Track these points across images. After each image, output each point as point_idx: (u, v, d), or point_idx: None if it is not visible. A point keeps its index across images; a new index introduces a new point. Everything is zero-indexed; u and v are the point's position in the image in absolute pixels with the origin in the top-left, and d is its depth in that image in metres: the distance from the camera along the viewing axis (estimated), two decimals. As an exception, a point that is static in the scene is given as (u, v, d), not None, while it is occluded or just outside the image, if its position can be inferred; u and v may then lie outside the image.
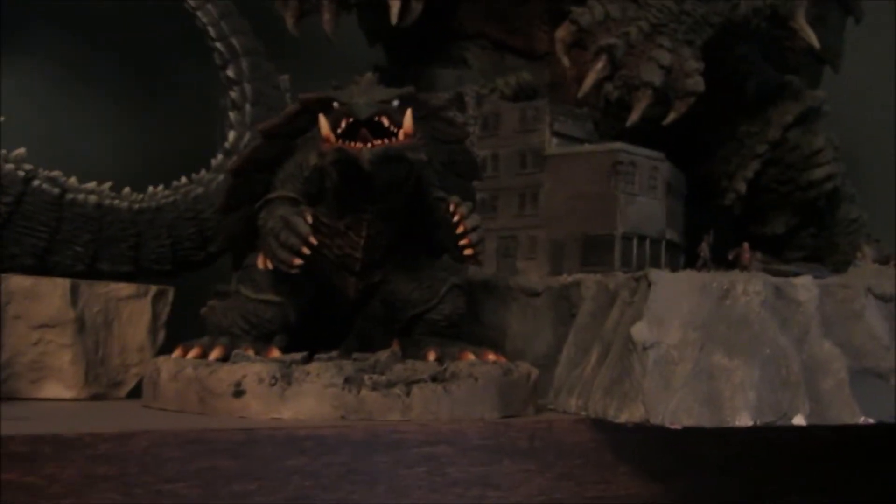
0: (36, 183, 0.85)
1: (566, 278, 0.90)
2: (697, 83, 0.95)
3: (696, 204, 1.10)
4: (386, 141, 0.73)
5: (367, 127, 0.73)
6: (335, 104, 0.74)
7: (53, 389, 0.84)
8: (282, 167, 0.80)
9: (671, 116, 0.95)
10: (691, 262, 1.01)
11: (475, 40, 1.17)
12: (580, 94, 0.95)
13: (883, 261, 1.11)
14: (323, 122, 0.73)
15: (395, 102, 0.74)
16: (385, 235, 0.79)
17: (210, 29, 0.97)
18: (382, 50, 1.21)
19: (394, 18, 0.96)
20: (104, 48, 1.26)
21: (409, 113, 0.74)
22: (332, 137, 0.73)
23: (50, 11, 1.23)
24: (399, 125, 0.73)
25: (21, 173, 0.84)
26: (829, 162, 1.11)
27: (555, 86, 1.15)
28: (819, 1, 1.15)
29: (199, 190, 0.92)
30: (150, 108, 1.29)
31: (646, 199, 0.97)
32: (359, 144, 0.73)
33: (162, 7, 1.13)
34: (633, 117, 0.94)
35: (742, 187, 1.10)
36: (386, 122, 0.73)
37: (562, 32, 0.98)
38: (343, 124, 0.73)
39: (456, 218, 0.76)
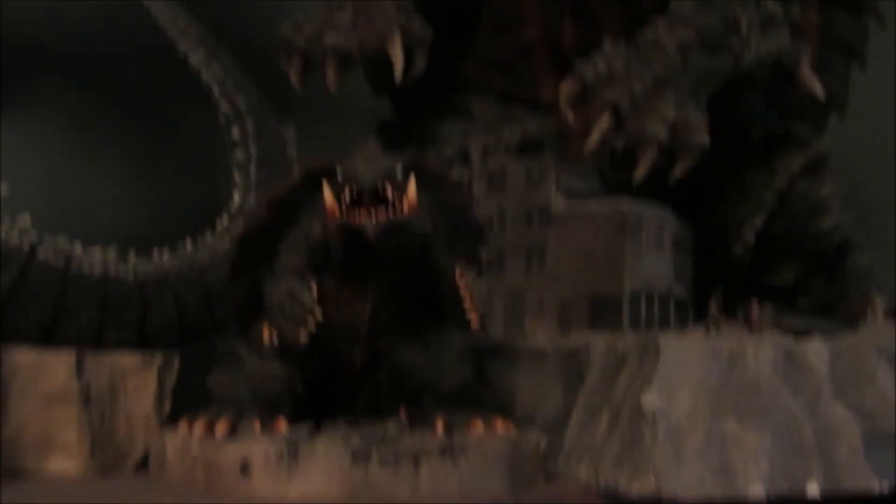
0: (41, 255, 0.85)
1: (575, 340, 0.90)
2: (703, 137, 0.94)
3: (703, 254, 1.09)
4: (390, 212, 0.73)
5: (371, 196, 0.73)
6: (339, 173, 0.74)
7: (59, 463, 0.84)
8: (286, 235, 0.80)
9: (677, 171, 0.95)
10: (700, 316, 1.01)
11: (480, 90, 1.17)
12: (586, 150, 0.95)
13: (894, 313, 1.11)
14: (327, 193, 0.73)
15: (399, 170, 0.74)
16: (390, 304, 0.79)
17: (215, 87, 0.98)
18: (388, 99, 1.21)
19: (398, 76, 0.96)
20: (109, 104, 1.26)
21: (412, 183, 0.74)
22: (336, 210, 0.73)
23: (54, 67, 1.23)
24: (403, 193, 0.73)
25: (25, 247, 0.84)
26: (836, 212, 1.11)
27: (560, 136, 1.14)
28: (823, 48, 1.15)
29: (205, 256, 0.92)
30: (156, 163, 1.30)
31: (653, 255, 0.97)
32: (363, 214, 0.73)
33: (168, 62, 1.13)
34: (639, 173, 0.94)
35: (751, 238, 1.10)
36: (390, 192, 0.73)
37: (566, 87, 0.98)
38: (347, 195, 0.73)
39: (461, 288, 0.76)
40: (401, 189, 0.73)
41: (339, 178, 0.74)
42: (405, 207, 0.73)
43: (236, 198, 0.95)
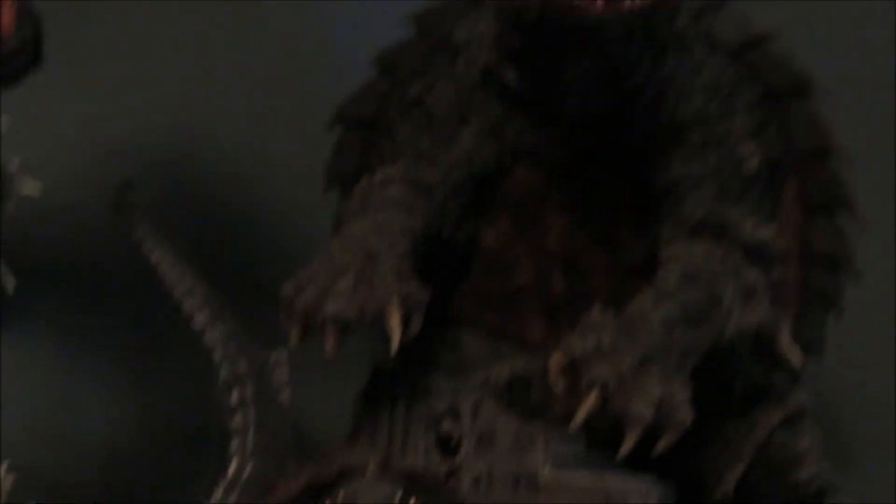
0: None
1: None
2: (686, 414, 0.99)
3: (685, 500, 1.14)
4: None
5: None
6: (340, 496, 0.78)
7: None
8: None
9: (661, 446, 1.00)
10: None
11: (471, 326, 1.22)
12: (571, 427, 1.00)
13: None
14: None
15: (398, 497, 0.78)
16: None
17: (217, 350, 1.02)
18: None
19: (394, 349, 1.01)
20: (108, 332, 1.31)
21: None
22: None
23: (50, 291, 1.29)
24: None
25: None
26: (814, 463, 1.16)
27: (548, 374, 1.19)
28: (801, 300, 1.21)
29: (202, 530, 0.96)
30: (150, 389, 1.34)
31: (637, 525, 1.01)
32: None
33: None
34: (624, 450, 0.99)
35: (731, 487, 1.15)
36: None
37: (556, 359, 1.03)
38: None
39: None
40: None
41: (340, 502, 0.78)
42: None
43: (232, 467, 0.98)
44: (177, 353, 1.36)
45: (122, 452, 1.31)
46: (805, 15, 1.51)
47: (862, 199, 1.45)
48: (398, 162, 1.19)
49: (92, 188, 1.08)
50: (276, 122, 1.42)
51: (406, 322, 1.05)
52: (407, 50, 1.23)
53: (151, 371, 1.38)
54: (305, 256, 1.36)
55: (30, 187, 0.93)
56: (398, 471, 0.82)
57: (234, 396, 1.00)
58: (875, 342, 1.53)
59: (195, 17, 1.37)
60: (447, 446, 1.05)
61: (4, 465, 0.86)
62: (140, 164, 1.31)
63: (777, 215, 1.18)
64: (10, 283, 0.92)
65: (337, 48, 1.50)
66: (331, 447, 1.23)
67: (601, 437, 1.07)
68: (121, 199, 1.08)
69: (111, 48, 1.18)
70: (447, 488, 0.88)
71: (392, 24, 1.23)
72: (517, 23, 1.02)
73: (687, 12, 1.10)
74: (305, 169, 1.34)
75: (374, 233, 1.07)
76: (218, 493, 0.97)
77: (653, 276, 1.11)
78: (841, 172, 1.18)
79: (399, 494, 0.76)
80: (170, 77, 1.35)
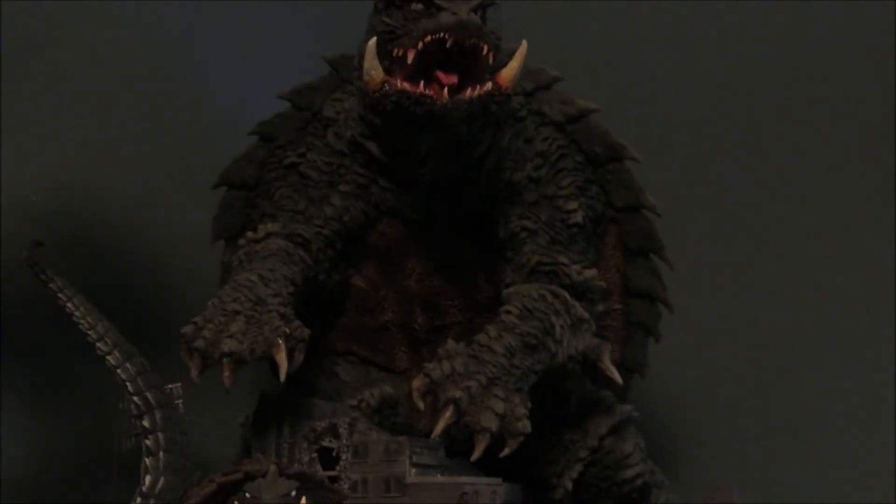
0: None
1: None
2: (525, 426, 1.21)
3: (531, 497, 1.36)
4: None
5: None
6: (246, 494, 0.99)
7: None
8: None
9: (505, 451, 1.21)
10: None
11: (345, 356, 1.43)
12: (433, 436, 1.21)
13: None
14: None
15: (295, 492, 0.99)
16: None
17: (129, 385, 1.22)
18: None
19: (282, 377, 1.20)
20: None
21: (303, 501, 0.99)
22: None
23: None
24: None
25: None
26: (637, 463, 1.39)
27: (411, 396, 1.41)
28: (627, 326, 1.45)
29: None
30: (45, 407, 1.51)
31: (488, 518, 1.24)
32: None
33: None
34: (476, 454, 1.20)
35: (569, 485, 1.37)
36: None
37: (417, 383, 1.24)
38: None
39: None
40: None
41: (247, 497, 0.99)
42: None
43: (147, 480, 1.18)
44: (77, 388, 1.55)
45: (33, 474, 1.48)
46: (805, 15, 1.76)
47: (862, 198, 1.72)
48: (277, 218, 1.39)
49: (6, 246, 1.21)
50: (167, 183, 1.60)
51: (290, 356, 1.24)
52: (283, 121, 1.43)
53: (56, 403, 1.55)
54: (193, 299, 1.56)
55: None
56: (292, 472, 1.03)
57: (146, 423, 1.20)
58: (876, 342, 1.75)
59: (101, 86, 1.54)
60: (329, 459, 1.26)
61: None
62: (47, 222, 1.48)
63: (601, 259, 1.41)
64: None
65: (221, 118, 1.69)
66: (227, 463, 1.44)
67: (457, 447, 1.29)
68: (34, 256, 1.25)
69: (23, 115, 1.33)
70: (331, 487, 1.09)
71: (269, 97, 1.43)
72: (377, 108, 1.24)
73: (520, 91, 1.32)
74: (194, 224, 1.53)
75: (261, 282, 1.27)
76: (136, 500, 1.17)
77: (498, 311, 1.32)
78: (651, 222, 1.41)
79: (294, 490, 0.96)
80: (73, 142, 1.52)
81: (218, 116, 1.69)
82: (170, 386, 1.31)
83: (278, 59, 1.70)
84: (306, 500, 0.99)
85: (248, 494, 0.98)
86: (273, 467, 1.04)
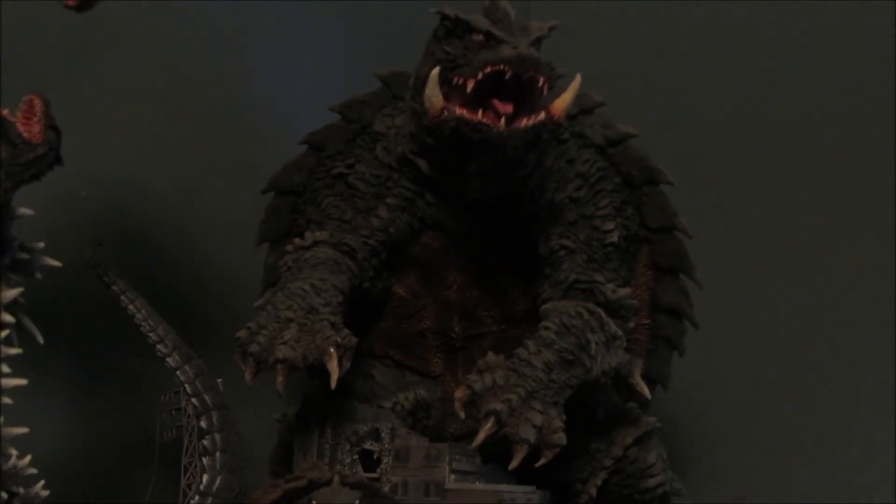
0: None
1: None
2: (561, 438, 1.29)
3: (557, 502, 1.44)
4: None
5: None
6: (313, 503, 1.07)
7: None
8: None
9: (541, 461, 1.29)
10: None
11: (382, 359, 1.50)
12: (473, 446, 1.29)
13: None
14: None
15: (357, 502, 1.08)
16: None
17: (187, 386, 1.30)
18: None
19: (333, 384, 1.27)
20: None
21: None
22: None
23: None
24: None
25: None
26: (659, 473, 1.47)
27: (445, 400, 1.49)
28: (653, 340, 1.53)
29: (185, 530, 1.24)
30: (97, 402, 1.58)
31: (522, 524, 1.32)
32: None
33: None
34: (513, 465, 1.29)
35: (593, 492, 1.46)
36: None
37: (459, 393, 1.32)
38: None
39: None
40: None
41: (312, 505, 1.07)
42: None
43: (205, 479, 1.26)
44: (119, 382, 1.62)
45: (75, 464, 1.55)
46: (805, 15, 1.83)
47: (862, 199, 1.79)
48: (325, 227, 1.47)
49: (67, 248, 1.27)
50: (214, 185, 1.67)
51: (339, 363, 1.31)
52: (333, 132, 1.50)
53: (98, 396, 1.62)
54: (236, 299, 1.63)
55: (52, 262, 1.16)
56: (354, 482, 1.11)
57: (204, 423, 1.28)
58: (878, 342, 1.81)
59: (153, 85, 1.60)
60: (369, 461, 1.34)
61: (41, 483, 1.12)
62: (104, 223, 1.54)
63: (632, 277, 1.49)
64: (38, 337, 1.15)
65: (270, 125, 1.76)
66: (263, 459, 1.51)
67: (493, 454, 1.37)
68: (96, 258, 1.32)
69: (76, 112, 1.39)
70: (388, 495, 1.17)
71: (320, 107, 1.49)
72: (435, 131, 1.31)
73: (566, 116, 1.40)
74: (238, 226, 1.60)
75: (313, 291, 1.34)
76: (194, 502, 1.25)
77: (533, 322, 1.40)
78: (683, 243, 1.49)
79: (358, 500, 1.04)
80: (124, 141, 1.58)
81: (269, 124, 1.76)
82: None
83: (329, 69, 1.77)
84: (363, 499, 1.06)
85: (314, 502, 1.05)
86: (337, 477, 1.11)
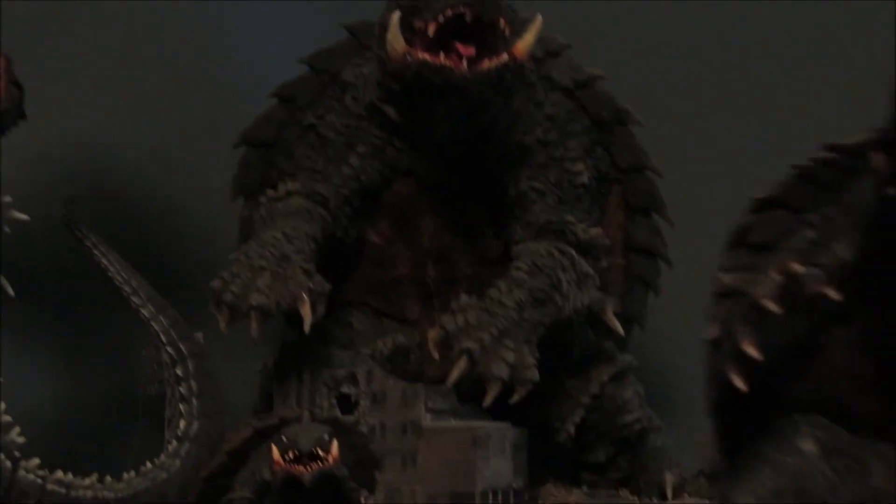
0: (49, 486, 1.17)
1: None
2: (533, 374, 1.32)
3: (536, 440, 1.47)
4: (321, 465, 1.09)
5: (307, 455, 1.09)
6: (283, 438, 1.10)
7: None
8: (238, 474, 1.16)
9: (515, 398, 1.32)
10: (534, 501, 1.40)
11: (359, 307, 1.53)
12: (448, 384, 1.31)
13: (680, 485, 1.51)
14: (275, 451, 1.10)
15: (327, 436, 1.10)
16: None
17: (162, 336, 1.32)
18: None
19: (307, 328, 1.30)
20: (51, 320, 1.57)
21: (335, 444, 1.10)
22: (282, 462, 1.09)
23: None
24: (328, 451, 1.10)
25: (38, 480, 1.17)
26: (636, 409, 1.50)
27: (422, 345, 1.52)
28: (627, 280, 1.55)
29: (163, 475, 1.26)
30: (77, 357, 1.61)
31: (497, 460, 1.35)
32: (300, 466, 1.09)
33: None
34: (487, 401, 1.31)
35: (571, 429, 1.48)
36: (320, 451, 1.09)
37: (432, 334, 1.34)
38: (290, 454, 1.09)
39: None
40: (326, 448, 1.10)
41: (284, 440, 1.10)
42: (330, 460, 1.10)
43: (182, 425, 1.29)
44: (101, 336, 1.64)
45: (60, 418, 1.58)
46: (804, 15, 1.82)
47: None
48: (297, 177, 1.49)
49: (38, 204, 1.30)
50: (188, 141, 1.69)
51: (313, 309, 1.34)
52: (303, 84, 1.52)
53: (80, 351, 1.64)
54: (213, 253, 1.65)
55: (19, 215, 1.18)
56: (325, 418, 1.14)
57: (179, 371, 1.31)
58: None
59: (124, 46, 1.62)
60: (347, 404, 1.37)
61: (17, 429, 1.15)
62: (78, 180, 1.57)
63: (604, 217, 1.51)
64: (9, 290, 1.18)
65: (242, 80, 1.78)
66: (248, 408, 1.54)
67: (468, 393, 1.40)
68: (69, 215, 1.35)
69: (46, 74, 1.41)
70: (360, 431, 1.20)
71: (290, 61, 1.51)
72: (399, 76, 1.34)
73: (531, 59, 1.42)
74: (214, 181, 1.62)
75: (285, 239, 1.37)
76: (171, 447, 1.28)
77: (507, 265, 1.43)
78: (654, 183, 1.51)
79: (327, 434, 1.07)
80: (95, 100, 1.60)
81: (239, 79, 1.78)
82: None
83: (299, 23, 1.78)
84: (337, 443, 1.09)
85: (284, 438, 1.08)
86: (306, 412, 1.14)
